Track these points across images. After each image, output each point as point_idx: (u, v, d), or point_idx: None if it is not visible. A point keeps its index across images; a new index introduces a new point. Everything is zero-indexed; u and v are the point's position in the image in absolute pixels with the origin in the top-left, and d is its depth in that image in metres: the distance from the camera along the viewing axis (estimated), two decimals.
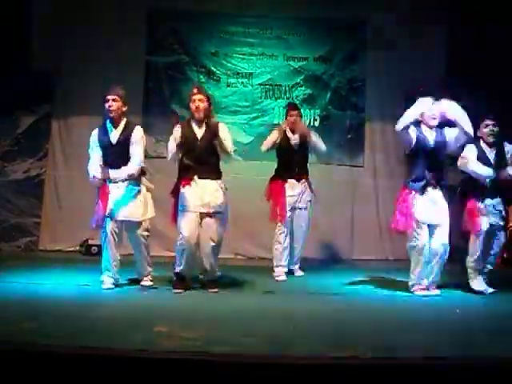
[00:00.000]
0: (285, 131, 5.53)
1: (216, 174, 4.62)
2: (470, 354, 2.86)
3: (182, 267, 4.52)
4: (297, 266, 5.67)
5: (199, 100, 4.55)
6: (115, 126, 4.56)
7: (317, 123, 7.20)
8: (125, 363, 2.54)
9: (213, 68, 7.15)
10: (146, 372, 2.51)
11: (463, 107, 4.62)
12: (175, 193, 4.63)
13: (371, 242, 7.08)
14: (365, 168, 7.20)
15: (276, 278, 5.36)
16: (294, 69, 7.22)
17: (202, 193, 4.49)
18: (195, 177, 4.52)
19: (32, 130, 6.90)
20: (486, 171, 4.75)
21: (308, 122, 7.16)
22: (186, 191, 4.51)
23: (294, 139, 5.53)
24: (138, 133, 4.57)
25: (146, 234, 4.67)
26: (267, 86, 7.21)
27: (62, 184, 6.96)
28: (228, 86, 7.17)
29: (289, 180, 5.48)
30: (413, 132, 4.64)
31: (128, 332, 3.06)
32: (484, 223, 4.75)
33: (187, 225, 4.47)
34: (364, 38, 7.21)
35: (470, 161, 4.74)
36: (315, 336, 3.13)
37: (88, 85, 6.84)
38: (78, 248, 6.75)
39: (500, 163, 4.81)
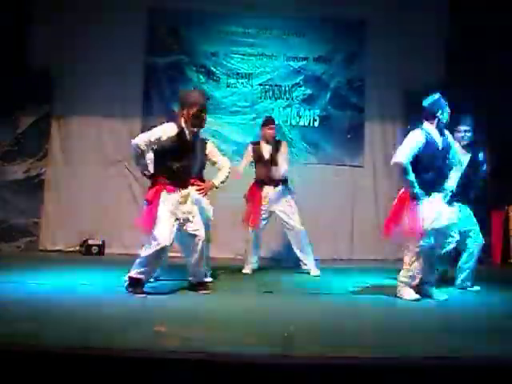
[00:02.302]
0: (259, 143, 5.76)
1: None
2: (470, 353, 2.86)
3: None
4: (311, 266, 5.63)
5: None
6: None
7: (316, 123, 7.22)
8: (125, 363, 2.54)
9: (212, 68, 7.16)
10: (146, 372, 2.50)
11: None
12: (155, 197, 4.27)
13: (371, 242, 7.08)
14: (365, 168, 7.22)
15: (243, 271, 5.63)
16: (294, 69, 7.23)
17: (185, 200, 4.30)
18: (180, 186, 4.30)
19: (32, 130, 6.91)
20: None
21: (308, 122, 7.18)
22: (168, 197, 4.23)
23: (267, 150, 5.68)
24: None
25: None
26: (267, 87, 7.22)
27: (61, 184, 6.97)
28: (228, 86, 7.18)
29: (265, 187, 5.65)
30: None
31: (128, 332, 3.06)
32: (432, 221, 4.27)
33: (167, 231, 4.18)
34: (364, 38, 7.23)
35: None
36: (315, 336, 3.13)
37: (88, 85, 6.86)
38: (77, 248, 6.76)
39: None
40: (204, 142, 4.96)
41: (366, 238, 7.09)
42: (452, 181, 4.47)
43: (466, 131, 4.87)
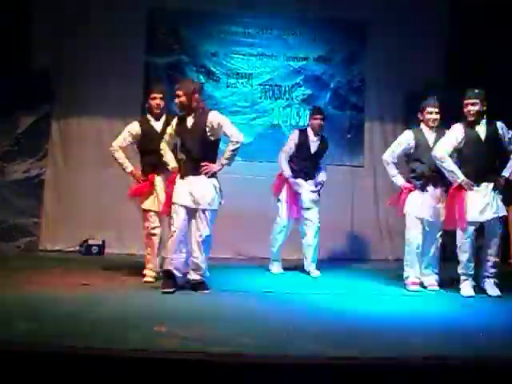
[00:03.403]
0: (306, 133, 5.66)
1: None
2: (470, 354, 2.86)
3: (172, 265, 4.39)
4: (312, 267, 5.62)
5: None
6: None
7: None
8: (125, 363, 2.54)
9: (213, 68, 7.15)
10: (146, 372, 2.51)
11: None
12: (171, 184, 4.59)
13: (371, 241, 7.09)
14: (365, 168, 7.21)
15: (272, 271, 5.70)
16: (294, 69, 7.22)
17: (190, 188, 4.41)
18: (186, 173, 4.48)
19: (32, 130, 6.89)
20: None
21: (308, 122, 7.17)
22: (178, 185, 4.49)
23: (314, 142, 5.62)
24: None
25: None
26: (267, 87, 7.21)
27: (61, 184, 6.96)
28: (228, 86, 7.16)
29: (298, 180, 5.59)
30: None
31: (128, 332, 3.06)
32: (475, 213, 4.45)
33: (177, 218, 4.39)
34: (364, 37, 7.22)
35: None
36: (315, 336, 3.13)
37: (88, 85, 6.85)
38: (77, 248, 6.75)
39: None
40: (204, 116, 4.47)
41: (366, 238, 7.10)
42: (508, 168, 4.56)
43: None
